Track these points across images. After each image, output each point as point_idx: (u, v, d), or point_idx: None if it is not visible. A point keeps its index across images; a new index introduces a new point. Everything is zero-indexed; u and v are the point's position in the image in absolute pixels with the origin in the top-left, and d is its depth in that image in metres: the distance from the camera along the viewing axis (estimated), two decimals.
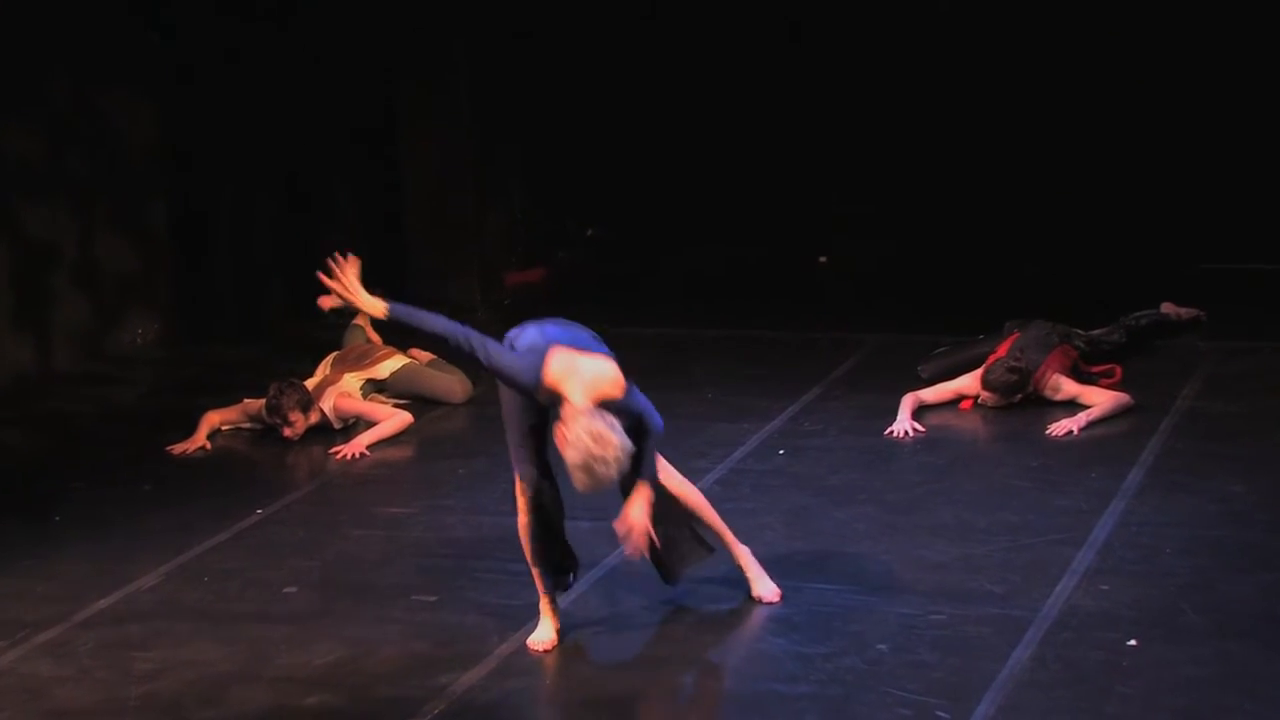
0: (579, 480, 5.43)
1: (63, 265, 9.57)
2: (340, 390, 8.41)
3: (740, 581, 6.17)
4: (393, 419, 8.29)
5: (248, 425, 8.32)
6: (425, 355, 8.90)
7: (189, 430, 8.18)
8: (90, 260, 9.69)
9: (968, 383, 8.27)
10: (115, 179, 9.81)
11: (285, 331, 10.10)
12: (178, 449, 8.08)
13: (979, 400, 8.22)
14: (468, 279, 10.67)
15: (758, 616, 5.99)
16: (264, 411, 8.19)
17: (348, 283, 5.63)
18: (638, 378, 8.95)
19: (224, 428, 8.32)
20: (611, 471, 5.42)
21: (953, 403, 8.25)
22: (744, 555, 6.18)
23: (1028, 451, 7.60)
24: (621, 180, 11.73)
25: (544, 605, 5.95)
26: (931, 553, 6.50)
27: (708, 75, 11.40)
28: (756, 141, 11.41)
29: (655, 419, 5.75)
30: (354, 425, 8.34)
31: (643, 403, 5.80)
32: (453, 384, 8.74)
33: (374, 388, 8.58)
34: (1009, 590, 6.14)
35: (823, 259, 11.37)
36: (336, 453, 8.04)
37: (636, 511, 5.66)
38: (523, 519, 5.90)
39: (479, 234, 10.94)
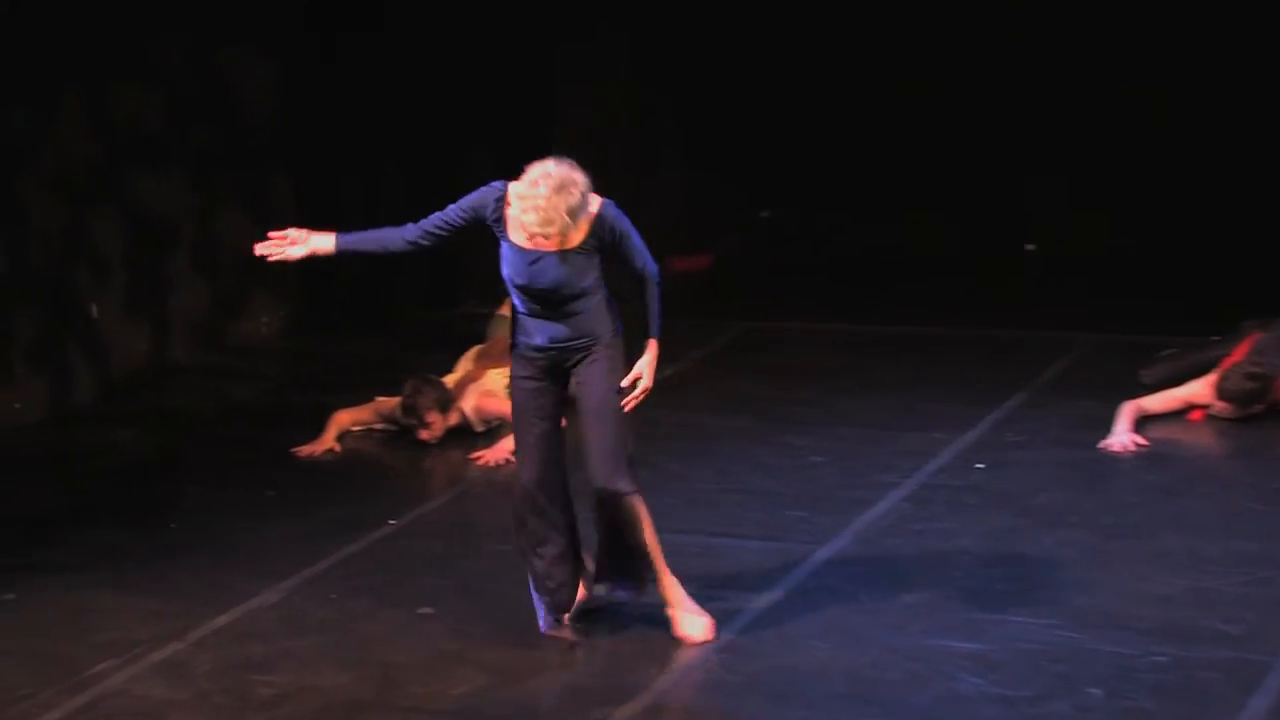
0: (528, 210, 5.76)
1: (181, 245, 9.79)
2: (483, 388, 8.50)
3: (937, 612, 6.16)
4: None
5: (380, 426, 8.45)
6: None
7: (316, 431, 8.31)
8: (211, 240, 9.89)
9: (1199, 390, 8.14)
10: (238, 150, 10.01)
11: (422, 322, 10.25)
12: (304, 451, 8.23)
13: (1211, 410, 8.09)
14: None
15: (950, 652, 5.96)
16: (398, 411, 8.31)
17: (290, 237, 6.00)
18: (814, 377, 8.96)
19: (355, 429, 8.45)
20: (573, 197, 5.75)
21: (1180, 413, 8.13)
22: (673, 588, 6.17)
23: (1268, 471, 7.47)
24: (799, 156, 11.71)
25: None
26: (1153, 585, 6.41)
27: (896, 39, 11.35)
28: (952, 107, 11.33)
29: (652, 263, 6.05)
30: (498, 428, 8.42)
31: (636, 238, 6.04)
32: None
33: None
34: (1245, 631, 6.05)
35: (1030, 246, 11.25)
36: (478, 458, 8.13)
37: (645, 367, 5.96)
38: (515, 538, 6.16)
39: (638, 215, 10.95)
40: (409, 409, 8.25)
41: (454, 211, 6.04)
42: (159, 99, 9.67)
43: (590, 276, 5.94)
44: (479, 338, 9.11)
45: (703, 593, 6.39)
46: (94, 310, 9.32)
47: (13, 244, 8.90)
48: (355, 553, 7.04)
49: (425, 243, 6.08)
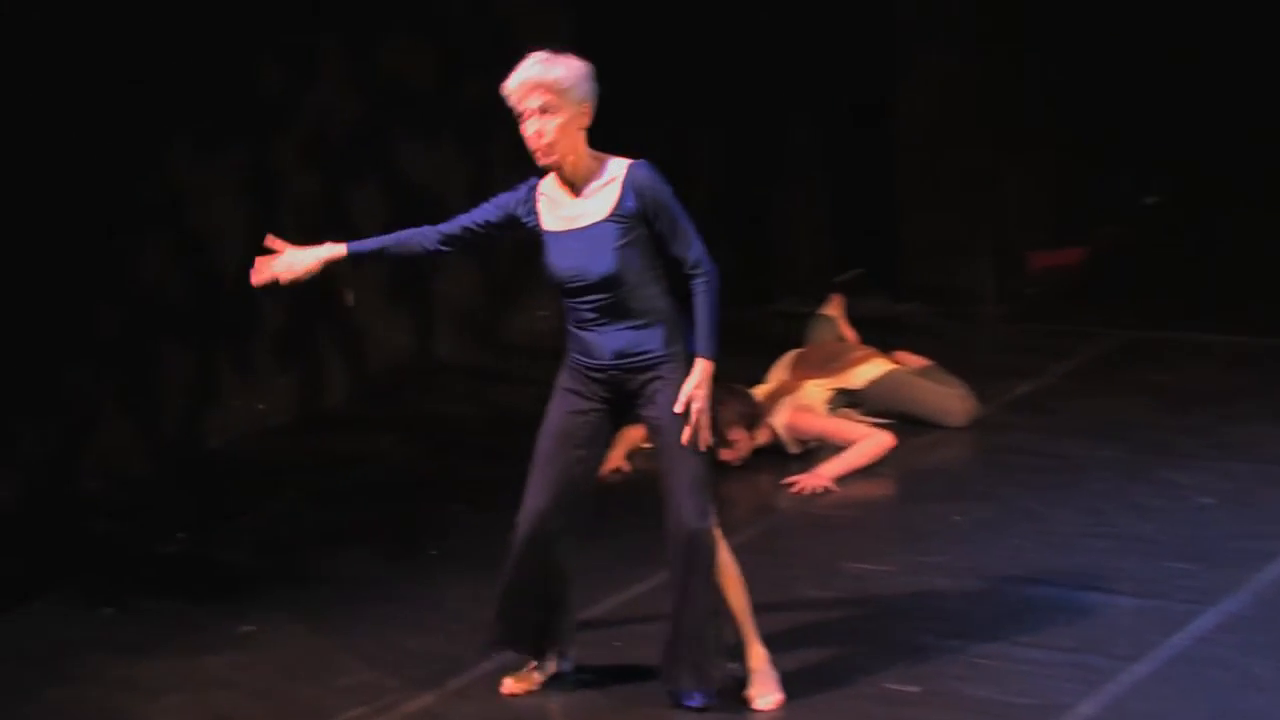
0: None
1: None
2: (799, 402, 8.55)
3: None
4: (868, 442, 8.40)
5: None
6: (915, 360, 8.98)
7: None
8: None
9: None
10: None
11: (729, 322, 10.30)
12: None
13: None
14: (978, 261, 10.68)
15: None
16: None
17: (286, 264, 6.32)
18: (1205, 400, 8.83)
19: (646, 445, 8.56)
20: (562, 68, 5.96)
21: None
22: (759, 657, 6.24)
23: None
24: (1194, 132, 11.55)
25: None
26: None
27: None
28: None
29: (705, 253, 6.03)
30: (817, 450, 8.46)
31: (683, 216, 6.02)
32: (950, 400, 8.79)
33: (845, 401, 8.70)
34: None
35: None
36: (792, 484, 8.20)
37: (694, 386, 6.00)
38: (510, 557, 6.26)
39: (995, 196, 10.93)
40: (709, 424, 8.31)
41: (487, 209, 6.19)
42: (429, 52, 9.91)
43: (637, 263, 5.98)
44: (796, 342, 9.17)
45: (1060, 658, 6.36)
46: (350, 298, 9.58)
47: (259, 217, 9.20)
48: (641, 593, 7.12)
49: (454, 246, 6.24)
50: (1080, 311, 9.83)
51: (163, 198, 8.87)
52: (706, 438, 6.06)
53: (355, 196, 9.64)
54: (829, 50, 10.92)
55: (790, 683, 6.30)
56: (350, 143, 9.61)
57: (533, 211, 6.11)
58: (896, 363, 8.92)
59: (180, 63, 8.78)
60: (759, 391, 8.62)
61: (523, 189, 6.15)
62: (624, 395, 6.16)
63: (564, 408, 6.23)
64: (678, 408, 6.01)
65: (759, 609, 6.74)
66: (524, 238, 6.20)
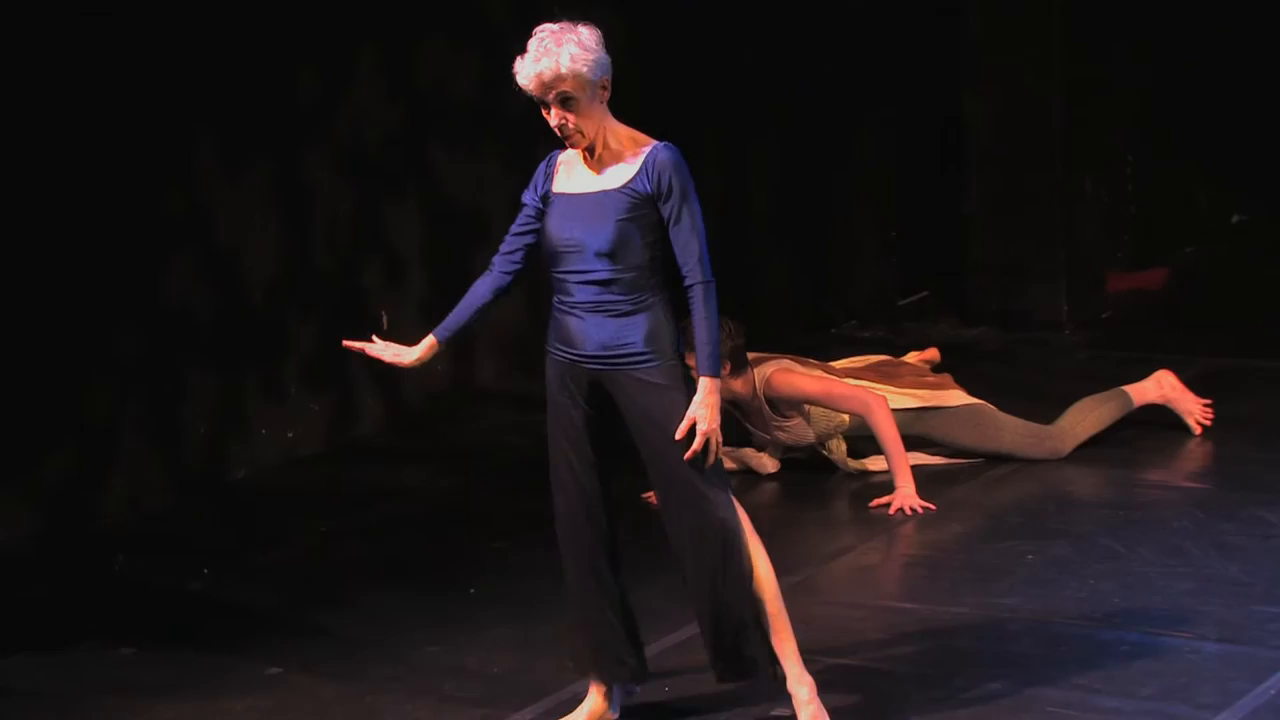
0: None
1: (491, 239, 9.99)
2: (787, 366, 8.45)
3: None
4: (880, 421, 8.32)
5: (732, 465, 8.56)
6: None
7: (643, 478, 8.42)
8: None
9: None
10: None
11: (789, 344, 10.33)
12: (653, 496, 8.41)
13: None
14: (1052, 283, 10.68)
15: None
16: None
17: (394, 355, 6.41)
18: None
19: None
20: (580, 45, 6.12)
21: None
22: (808, 686, 6.21)
23: None
24: None
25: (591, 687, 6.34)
26: None
27: None
28: None
29: (707, 259, 6.01)
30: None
31: (697, 212, 6.02)
32: (1033, 441, 8.78)
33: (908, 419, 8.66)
34: None
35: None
36: (884, 505, 8.29)
37: (699, 406, 5.96)
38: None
39: (1069, 216, 10.93)
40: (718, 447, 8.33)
41: (523, 208, 6.23)
42: (471, 59, 9.94)
43: (638, 243, 5.99)
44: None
45: (1140, 707, 6.35)
46: (385, 319, 9.62)
47: (291, 233, 9.23)
48: (685, 639, 7.10)
49: (520, 262, 6.27)
50: (1161, 337, 9.81)
51: (189, 213, 8.90)
52: (713, 460, 6.04)
53: (392, 212, 9.67)
54: (898, 64, 10.93)
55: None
56: (387, 155, 9.64)
57: (550, 177, 6.17)
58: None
59: (209, 73, 8.82)
60: (785, 359, 8.55)
61: (542, 165, 6.23)
62: (605, 395, 6.14)
63: (553, 405, 6.23)
64: (681, 431, 5.97)
65: (820, 648, 6.76)
66: None
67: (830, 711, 6.26)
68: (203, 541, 8.37)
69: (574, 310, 6.12)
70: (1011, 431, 8.81)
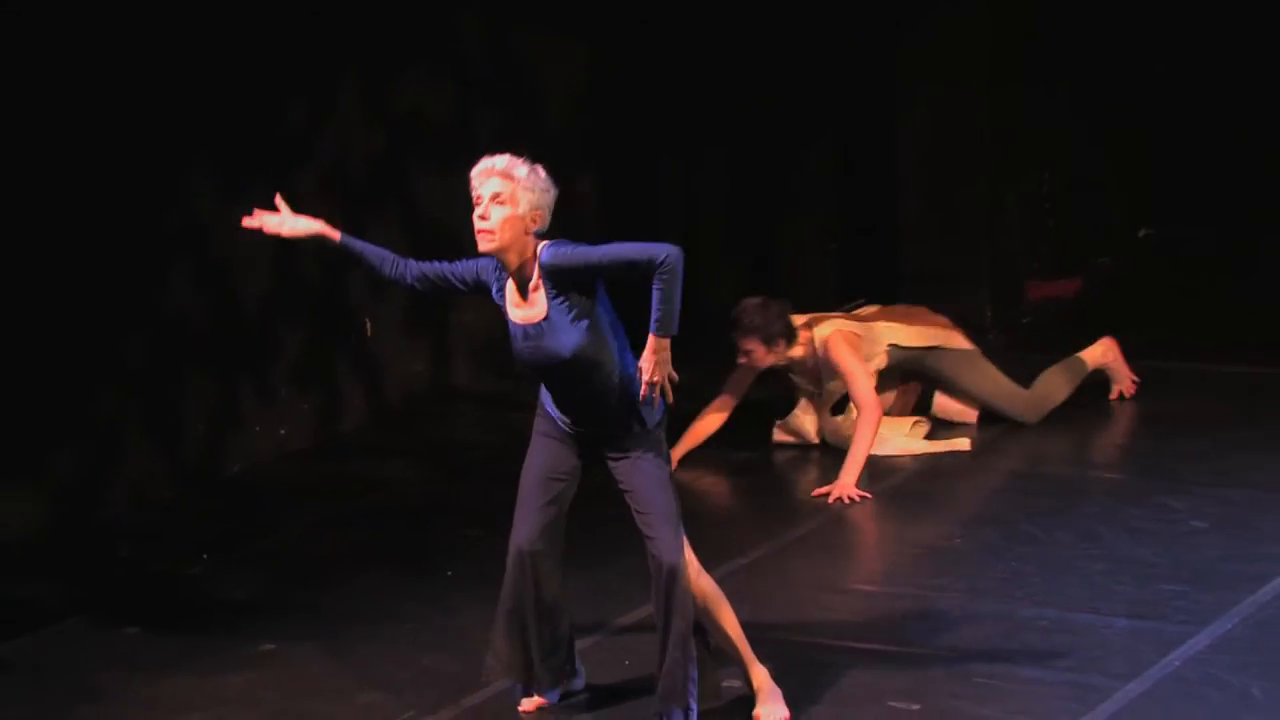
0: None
1: (465, 252, 9.99)
2: (839, 329, 8.56)
3: None
4: (865, 425, 8.38)
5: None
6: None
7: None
8: None
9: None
10: (534, 143, 10.19)
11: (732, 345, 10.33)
12: None
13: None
14: (976, 290, 10.69)
15: None
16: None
17: (276, 222, 6.35)
18: (1202, 428, 8.83)
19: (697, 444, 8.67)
20: (518, 165, 5.91)
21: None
22: (761, 677, 6.24)
23: None
24: (1191, 158, 11.54)
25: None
26: None
27: None
28: None
29: (656, 248, 5.84)
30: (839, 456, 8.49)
31: (609, 246, 5.92)
32: (1021, 398, 8.90)
33: (905, 359, 8.80)
34: None
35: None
36: (824, 495, 8.29)
37: (644, 359, 5.90)
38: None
39: (992, 229, 10.95)
40: (733, 322, 8.50)
41: (466, 266, 6.17)
42: (445, 87, 9.93)
43: (599, 344, 5.96)
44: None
45: (1057, 677, 6.37)
46: (368, 326, 9.61)
47: (281, 247, 9.19)
48: (640, 619, 7.10)
49: (423, 286, 6.24)
50: (1077, 341, 9.82)
51: (188, 229, 8.88)
52: (669, 396, 6.01)
53: (374, 228, 9.66)
54: (838, 92, 10.94)
55: (795, 701, 6.29)
56: (369, 175, 9.63)
57: (501, 292, 6.08)
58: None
59: (206, 99, 8.81)
60: (833, 317, 8.71)
61: (490, 263, 6.08)
62: (592, 448, 6.18)
63: (547, 449, 6.23)
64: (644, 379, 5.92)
65: (767, 628, 6.76)
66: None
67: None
68: (201, 531, 8.35)
69: (562, 402, 6.13)
70: (1000, 383, 9.00)
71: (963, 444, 8.79)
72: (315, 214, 9.28)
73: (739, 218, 11.09)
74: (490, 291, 6.11)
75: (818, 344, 8.59)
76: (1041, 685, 6.38)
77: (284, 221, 6.35)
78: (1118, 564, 7.42)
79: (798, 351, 8.60)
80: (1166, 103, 11.56)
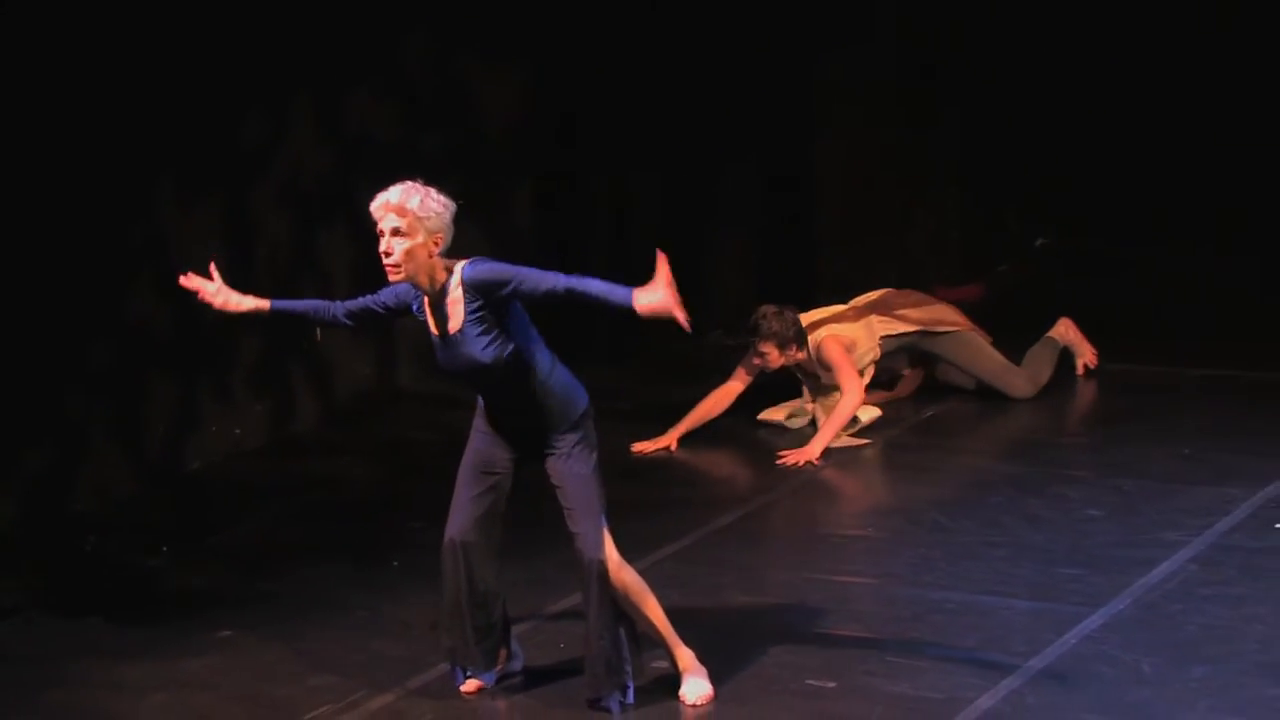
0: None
1: None
2: (837, 330, 8.88)
3: (1229, 688, 6.05)
4: (844, 404, 8.70)
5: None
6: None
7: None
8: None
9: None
10: (474, 161, 10.20)
11: (667, 351, 10.33)
12: (642, 447, 8.80)
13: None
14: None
15: None
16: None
17: (214, 292, 6.33)
18: (1096, 422, 8.86)
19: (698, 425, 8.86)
20: (420, 197, 5.89)
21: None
22: (686, 658, 6.23)
23: None
24: (1080, 174, 11.60)
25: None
26: None
27: (1201, 33, 11.20)
28: (1268, 116, 11.15)
29: (562, 276, 5.86)
30: (808, 422, 8.85)
31: (525, 270, 5.90)
32: (1016, 375, 9.23)
33: (898, 344, 9.10)
34: None
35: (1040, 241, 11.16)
36: (782, 458, 8.54)
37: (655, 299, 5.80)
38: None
39: (901, 240, 10.98)
40: (752, 329, 8.83)
41: (386, 294, 6.21)
42: (391, 108, 9.90)
43: (512, 350, 5.96)
44: (725, 371, 9.16)
45: (963, 655, 6.38)
46: (318, 333, 9.56)
47: (237, 257, 9.17)
48: (573, 606, 7.08)
49: (355, 321, 6.29)
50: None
51: (150, 242, 8.83)
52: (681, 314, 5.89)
53: (324, 239, 9.62)
54: (755, 109, 10.96)
55: (720, 680, 6.29)
56: (320, 190, 9.59)
57: (421, 309, 6.09)
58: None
59: (168, 118, 8.76)
60: (819, 315, 9.00)
61: (409, 288, 6.09)
62: (526, 445, 6.17)
63: (483, 444, 6.23)
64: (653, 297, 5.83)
65: (694, 612, 6.76)
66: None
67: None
68: (162, 524, 8.29)
69: (490, 409, 6.14)
70: (994, 359, 9.26)
71: (865, 440, 8.88)
72: (269, 227, 9.35)
73: (670, 230, 11.08)
74: (412, 310, 6.13)
75: (813, 346, 8.90)
76: (949, 663, 6.39)
77: (219, 294, 6.36)
78: (1019, 550, 7.44)
79: (803, 355, 8.91)
80: (1059, 122, 11.59)
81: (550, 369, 6.06)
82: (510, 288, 5.90)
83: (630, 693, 6.14)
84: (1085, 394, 9.50)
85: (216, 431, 9.15)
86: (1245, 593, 6.88)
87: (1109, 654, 6.40)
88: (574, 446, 6.08)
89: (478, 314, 5.95)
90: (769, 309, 8.89)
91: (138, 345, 8.80)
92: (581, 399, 6.12)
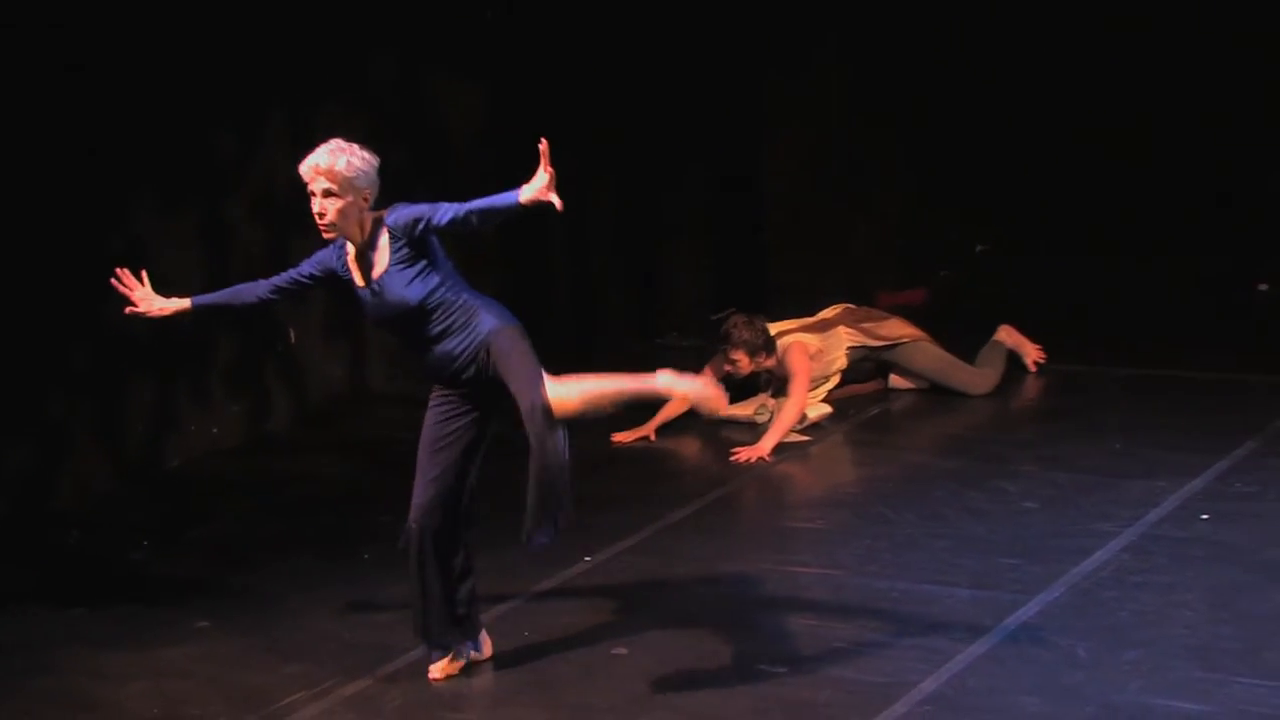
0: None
1: None
2: (802, 340, 8.97)
3: (1159, 670, 6.08)
4: (790, 407, 8.76)
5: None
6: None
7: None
8: None
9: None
10: (437, 173, 10.19)
11: (622, 353, 10.33)
12: (622, 437, 8.83)
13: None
14: (833, 299, 10.71)
15: (1173, 713, 5.85)
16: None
17: (142, 297, 6.32)
18: (1032, 419, 8.90)
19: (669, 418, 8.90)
20: (338, 159, 5.89)
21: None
22: (664, 377, 6.16)
23: None
24: (1017, 186, 11.65)
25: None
26: None
27: (1123, 57, 11.26)
28: (1183, 135, 11.22)
29: (459, 205, 5.91)
30: (765, 421, 8.86)
31: (437, 206, 5.92)
32: (974, 375, 9.33)
33: (864, 354, 9.18)
34: None
35: (1263, 285, 11.08)
36: (735, 454, 8.57)
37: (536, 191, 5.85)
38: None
39: (847, 246, 11.00)
40: (724, 336, 8.89)
41: (309, 264, 6.22)
42: (360, 120, 9.88)
43: (434, 286, 5.97)
44: (682, 369, 9.15)
45: (907, 641, 6.39)
46: (292, 335, 9.54)
47: (214, 265, 9.14)
48: (551, 588, 7.10)
49: (281, 296, 6.28)
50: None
51: (129, 248, 8.79)
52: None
53: (297, 247, 9.59)
54: (713, 129, 10.99)
55: (674, 663, 6.29)
56: (292, 200, 9.55)
57: (346, 268, 6.09)
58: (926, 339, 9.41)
59: (146, 130, 8.73)
60: (786, 325, 9.07)
61: (333, 248, 6.12)
62: (480, 393, 6.10)
63: (434, 419, 6.21)
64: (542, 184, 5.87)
65: (652, 603, 6.75)
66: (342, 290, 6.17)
67: (651, 657, 6.26)
68: (142, 520, 8.26)
69: (421, 350, 6.09)
70: (949, 363, 9.32)
71: (809, 437, 8.92)
72: (243, 235, 9.32)
73: (626, 235, 11.09)
74: (337, 273, 6.11)
75: (780, 352, 8.97)
76: (894, 648, 6.40)
77: (146, 299, 6.36)
78: (959, 541, 7.46)
79: (771, 362, 8.98)
80: (1000, 133, 11.65)
81: (475, 301, 6.03)
82: (424, 222, 5.93)
83: (556, 534, 5.98)
84: (1023, 393, 9.54)
85: (194, 431, 9.12)
86: (1174, 580, 6.91)
87: (1046, 639, 6.42)
88: (504, 354, 5.96)
89: (401, 253, 5.97)
90: (739, 318, 8.95)
91: (118, 348, 8.76)
92: (511, 319, 6.07)
